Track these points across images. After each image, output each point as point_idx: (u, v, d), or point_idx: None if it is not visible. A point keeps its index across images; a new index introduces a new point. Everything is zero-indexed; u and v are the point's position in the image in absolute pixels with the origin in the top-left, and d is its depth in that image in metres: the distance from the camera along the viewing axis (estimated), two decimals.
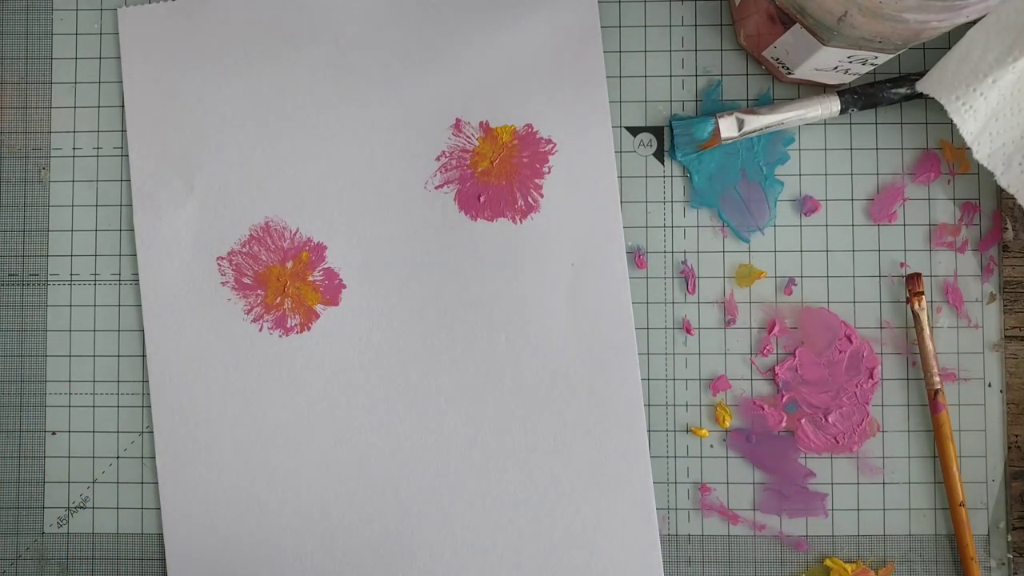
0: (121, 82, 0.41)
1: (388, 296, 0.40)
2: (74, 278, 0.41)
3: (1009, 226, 0.40)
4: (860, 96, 0.39)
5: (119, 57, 0.42)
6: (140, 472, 0.41)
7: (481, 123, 0.40)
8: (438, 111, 0.41)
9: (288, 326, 0.40)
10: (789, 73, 0.39)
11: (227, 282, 0.41)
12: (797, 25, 0.35)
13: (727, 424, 0.40)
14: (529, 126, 0.40)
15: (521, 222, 0.40)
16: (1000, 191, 0.40)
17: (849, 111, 0.39)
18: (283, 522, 0.40)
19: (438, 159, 0.41)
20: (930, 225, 0.40)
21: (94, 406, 0.41)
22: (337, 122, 0.41)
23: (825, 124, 0.41)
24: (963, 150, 0.40)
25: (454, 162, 0.40)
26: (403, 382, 0.40)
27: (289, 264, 0.41)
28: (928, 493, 0.40)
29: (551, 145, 0.40)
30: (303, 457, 0.40)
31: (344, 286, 0.41)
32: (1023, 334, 0.40)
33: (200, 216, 0.41)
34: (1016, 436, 0.40)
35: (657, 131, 0.41)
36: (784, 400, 0.40)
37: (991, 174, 0.39)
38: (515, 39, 0.40)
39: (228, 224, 0.41)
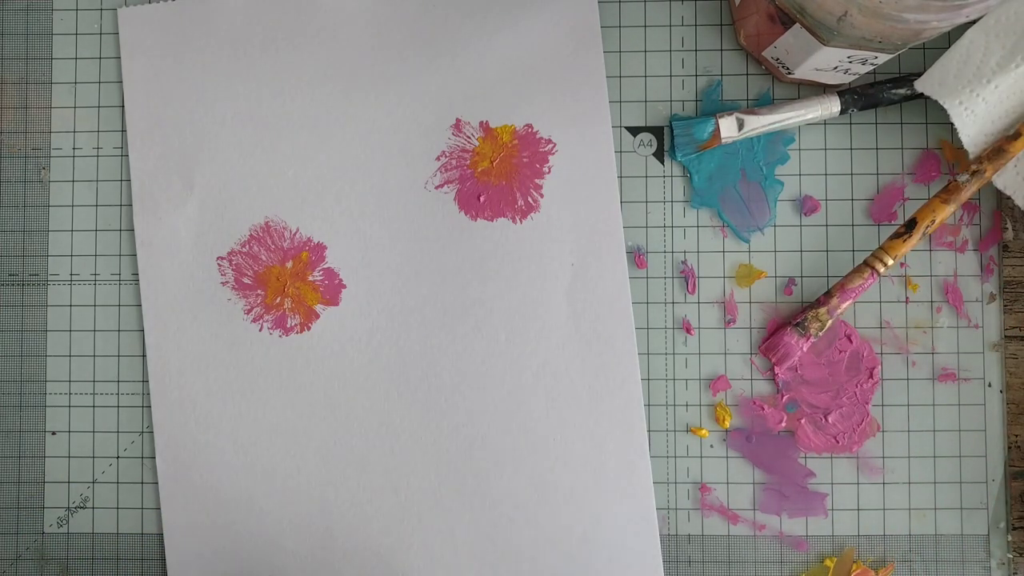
0: (121, 82, 0.41)
1: (388, 296, 0.40)
2: (74, 278, 0.41)
3: (1009, 226, 0.40)
4: (860, 96, 0.39)
5: (119, 57, 0.42)
6: (140, 472, 0.41)
7: (481, 123, 0.40)
8: (438, 111, 0.41)
9: (288, 326, 0.40)
10: (789, 73, 0.39)
11: (227, 282, 0.41)
12: (797, 25, 0.35)
13: (727, 424, 0.40)
14: (529, 126, 0.40)
15: (521, 222, 0.40)
16: (1000, 190, 0.40)
17: (849, 111, 0.39)
18: (283, 522, 0.40)
19: (438, 159, 0.41)
20: None
21: (94, 406, 0.41)
22: (337, 122, 0.41)
23: (825, 124, 0.41)
24: (963, 150, 0.40)
25: (454, 162, 0.41)
26: (403, 382, 0.40)
27: (289, 264, 0.41)
28: (928, 493, 0.40)
29: (551, 145, 0.40)
30: (303, 457, 0.40)
31: (344, 286, 0.41)
32: (1023, 334, 0.40)
33: (200, 216, 0.41)
34: (1016, 436, 0.40)
35: (657, 131, 0.41)
36: (784, 400, 0.40)
37: None
38: (515, 39, 0.40)
39: (228, 224, 0.41)
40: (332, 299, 0.41)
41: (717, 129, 0.39)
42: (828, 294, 0.39)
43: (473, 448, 0.40)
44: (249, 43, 0.41)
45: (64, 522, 0.41)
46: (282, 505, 0.40)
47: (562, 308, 0.40)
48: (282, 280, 0.41)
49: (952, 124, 0.38)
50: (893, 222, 0.40)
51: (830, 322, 0.39)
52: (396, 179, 0.41)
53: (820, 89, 0.40)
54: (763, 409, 0.40)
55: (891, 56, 0.35)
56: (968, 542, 0.40)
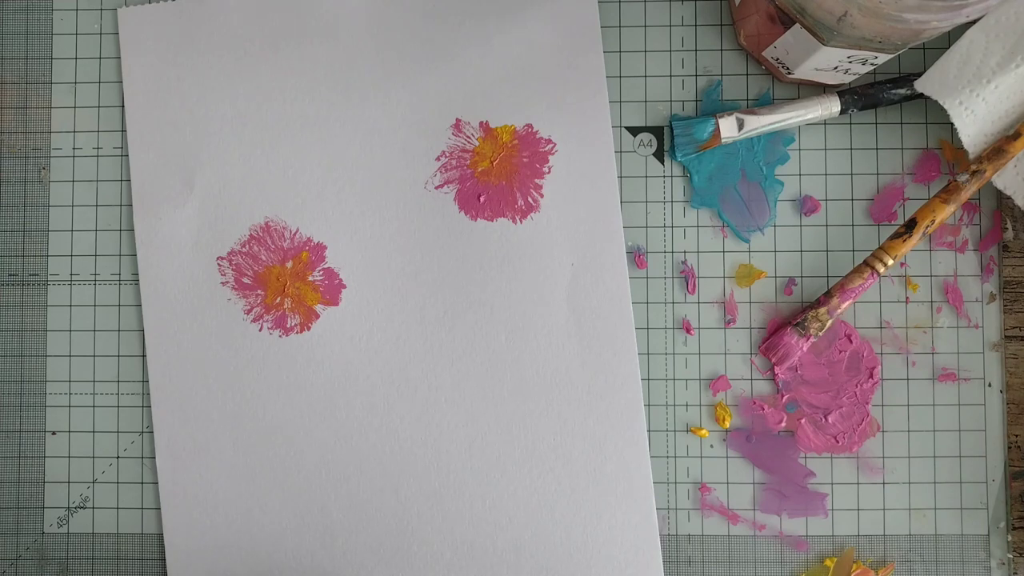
0: (121, 82, 0.41)
1: (388, 296, 0.40)
2: (74, 278, 0.41)
3: (1009, 226, 0.40)
4: (860, 96, 0.39)
5: (119, 57, 0.42)
6: (140, 472, 0.41)
7: (481, 123, 0.40)
8: (438, 111, 0.41)
9: (288, 326, 0.40)
10: (789, 73, 0.39)
11: (227, 282, 0.41)
12: (797, 25, 0.35)
13: (727, 424, 0.40)
14: (529, 126, 0.40)
15: (521, 222, 0.40)
16: (1000, 191, 0.40)
17: (849, 111, 0.39)
18: (283, 522, 0.40)
19: (438, 159, 0.41)
20: None
21: (94, 406, 0.41)
22: (337, 122, 0.41)
23: (825, 124, 0.41)
24: (963, 151, 0.40)
25: (454, 162, 0.41)
26: (403, 382, 0.40)
27: (289, 264, 0.41)
28: (928, 493, 0.40)
29: (551, 145, 0.40)
30: (303, 457, 0.40)
31: (344, 286, 0.41)
32: (1023, 334, 0.40)
33: (200, 216, 0.41)
34: (1016, 436, 0.40)
35: (657, 131, 0.41)
36: (784, 400, 0.40)
37: None
38: (515, 39, 0.40)
39: (228, 224, 0.41)
40: (332, 299, 0.41)
41: (717, 129, 0.39)
42: (828, 294, 0.39)
43: (473, 448, 0.40)
44: (249, 43, 0.41)
45: (64, 522, 0.41)
46: (282, 505, 0.40)
47: (562, 308, 0.40)
48: (282, 280, 0.41)
49: (952, 124, 0.38)
50: (893, 222, 0.40)
51: (830, 322, 0.39)
52: (396, 179, 0.41)
53: (820, 89, 0.40)
54: (763, 409, 0.40)
55: (891, 56, 0.35)
56: (968, 542, 0.40)
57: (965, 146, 0.37)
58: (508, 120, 0.40)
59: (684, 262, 0.41)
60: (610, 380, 0.40)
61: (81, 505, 0.41)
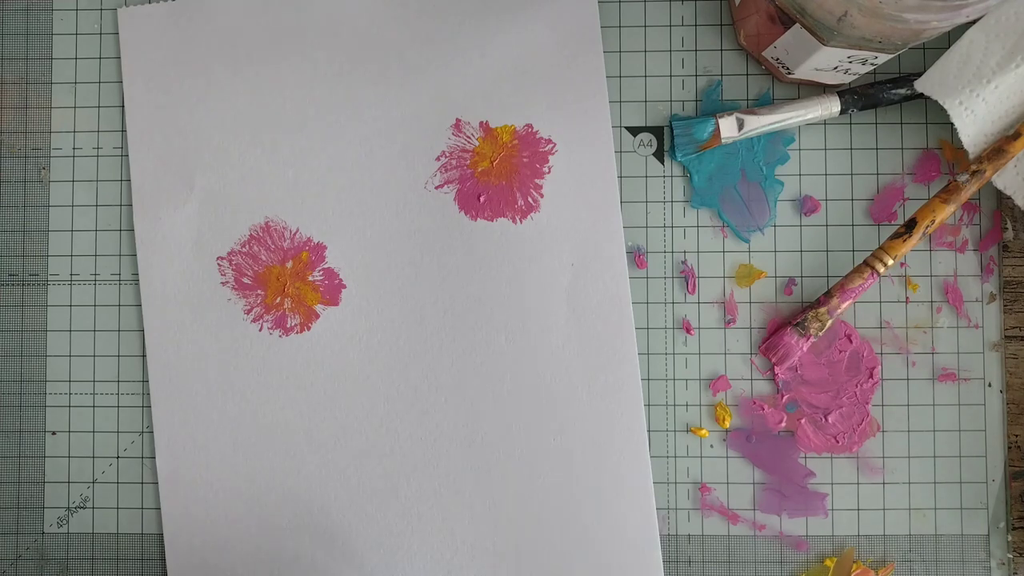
0: (121, 82, 0.41)
1: (388, 296, 0.40)
2: (74, 278, 0.41)
3: (1009, 226, 0.40)
4: (860, 96, 0.39)
5: (119, 57, 0.42)
6: (140, 472, 0.41)
7: (481, 123, 0.40)
8: (438, 111, 0.41)
9: (288, 326, 0.40)
10: (789, 73, 0.39)
11: (227, 282, 0.41)
12: (797, 25, 0.35)
13: (727, 424, 0.40)
14: (529, 126, 0.40)
15: (521, 222, 0.40)
16: (1000, 191, 0.40)
17: (849, 111, 0.39)
18: (283, 522, 0.40)
19: (438, 159, 0.41)
20: None
21: (94, 406, 0.41)
22: (337, 122, 0.41)
23: (825, 124, 0.41)
24: (963, 150, 0.40)
25: (454, 162, 0.41)
26: (403, 382, 0.40)
27: (289, 264, 0.41)
28: (928, 493, 0.40)
29: (551, 145, 0.40)
30: (303, 457, 0.40)
31: (344, 286, 0.41)
32: (1023, 334, 0.40)
33: (200, 216, 0.41)
34: (1016, 436, 0.40)
35: (657, 131, 0.41)
36: (784, 400, 0.40)
37: None
38: (515, 39, 0.40)
39: (228, 224, 0.41)
40: (332, 299, 0.41)
41: (717, 129, 0.39)
42: (828, 294, 0.39)
43: (473, 448, 0.40)
44: (249, 43, 0.41)
45: (64, 522, 0.41)
46: (282, 505, 0.40)
47: (562, 308, 0.40)
48: (282, 280, 0.41)
49: (952, 124, 0.38)
50: (893, 222, 0.40)
51: (830, 322, 0.39)
52: (396, 179, 0.41)
53: (820, 89, 0.40)
54: (763, 409, 0.40)
55: (891, 56, 0.35)
56: (968, 542, 0.40)
57: (965, 146, 0.37)
58: (508, 120, 0.40)
59: (684, 262, 0.41)
60: (610, 380, 0.40)
61: (81, 505, 0.41)
